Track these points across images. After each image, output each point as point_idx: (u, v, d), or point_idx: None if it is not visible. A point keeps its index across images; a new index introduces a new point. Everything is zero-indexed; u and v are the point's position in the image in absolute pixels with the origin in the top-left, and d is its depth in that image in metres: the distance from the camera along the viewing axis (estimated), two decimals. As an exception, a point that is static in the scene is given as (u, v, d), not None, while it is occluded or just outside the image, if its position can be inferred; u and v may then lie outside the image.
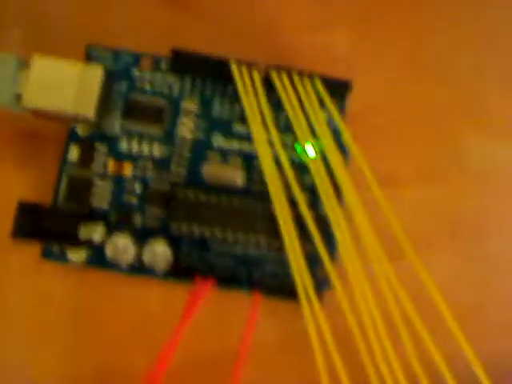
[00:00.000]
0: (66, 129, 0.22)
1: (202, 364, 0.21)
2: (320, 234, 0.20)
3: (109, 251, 0.20)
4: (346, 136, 0.21)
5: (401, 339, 0.18)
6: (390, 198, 0.19)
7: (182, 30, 0.24)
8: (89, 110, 0.20)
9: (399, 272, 0.19)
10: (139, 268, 0.21)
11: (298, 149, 0.22)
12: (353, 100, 0.22)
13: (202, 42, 0.23)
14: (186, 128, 0.22)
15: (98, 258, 0.21)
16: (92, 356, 0.21)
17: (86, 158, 0.22)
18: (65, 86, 0.20)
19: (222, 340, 0.21)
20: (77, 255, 0.21)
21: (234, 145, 0.22)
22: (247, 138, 0.22)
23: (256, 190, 0.22)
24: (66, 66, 0.20)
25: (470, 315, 0.21)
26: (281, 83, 0.21)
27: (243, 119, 0.22)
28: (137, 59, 0.22)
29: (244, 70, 0.21)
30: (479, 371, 0.18)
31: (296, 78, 0.21)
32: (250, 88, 0.21)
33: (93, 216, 0.21)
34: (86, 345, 0.21)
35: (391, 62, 0.24)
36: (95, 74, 0.21)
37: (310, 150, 0.21)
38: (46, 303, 0.22)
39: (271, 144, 0.21)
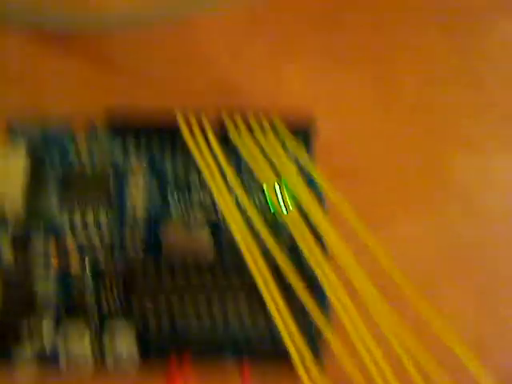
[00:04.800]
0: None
1: None
2: (309, 295, 0.17)
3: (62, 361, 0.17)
4: (322, 182, 0.18)
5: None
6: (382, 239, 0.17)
7: (118, 89, 0.21)
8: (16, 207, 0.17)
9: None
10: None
11: (271, 206, 0.19)
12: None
13: (141, 98, 0.20)
14: (137, 197, 0.19)
15: (51, 367, 0.18)
16: None
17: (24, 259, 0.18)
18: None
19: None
20: (25, 366, 0.18)
21: (197, 212, 0.19)
22: (211, 203, 0.19)
23: (228, 260, 0.19)
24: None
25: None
26: (236, 129, 0.19)
27: (203, 182, 0.19)
28: (68, 129, 0.20)
29: (192, 119, 0.19)
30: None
31: (253, 122, 0.19)
32: (201, 141, 0.18)
33: (36, 308, 0.18)
34: None
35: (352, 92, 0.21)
36: (18, 163, 0.18)
37: (284, 206, 0.19)
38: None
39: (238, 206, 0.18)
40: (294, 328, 0.17)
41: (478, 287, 0.20)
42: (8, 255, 0.18)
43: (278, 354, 0.18)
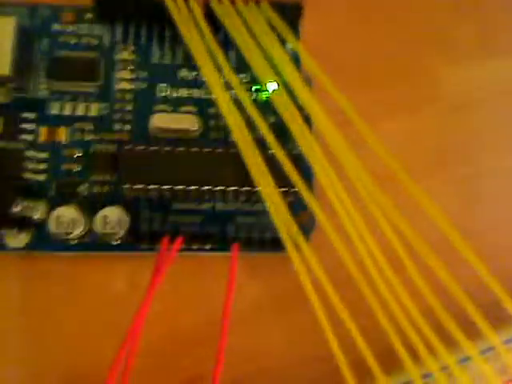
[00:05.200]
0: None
1: (184, 338, 0.18)
2: (295, 171, 0.17)
3: (53, 227, 0.17)
4: (308, 62, 0.18)
5: (402, 266, 0.16)
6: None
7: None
8: (4, 68, 0.18)
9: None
10: (93, 244, 0.18)
11: (256, 86, 0.19)
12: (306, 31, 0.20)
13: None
14: (125, 80, 0.19)
15: (42, 240, 0.18)
16: (51, 356, 0.18)
17: (12, 130, 0.19)
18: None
19: (203, 308, 0.18)
20: (16, 240, 0.18)
21: (182, 92, 0.19)
22: (195, 83, 0.19)
23: (214, 138, 0.19)
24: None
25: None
26: (225, 12, 0.19)
27: (188, 64, 0.19)
28: (56, 11, 0.20)
29: (181, 3, 0.19)
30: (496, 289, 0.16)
31: (240, 5, 0.19)
32: (191, 25, 0.19)
33: (29, 192, 0.18)
34: (42, 344, 0.18)
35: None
36: (7, 28, 0.18)
37: (270, 85, 0.19)
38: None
39: (226, 84, 0.18)
40: (282, 206, 0.17)
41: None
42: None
43: (268, 244, 0.18)
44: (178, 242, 0.17)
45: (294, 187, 0.17)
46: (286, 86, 0.18)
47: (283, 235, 0.16)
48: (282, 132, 0.18)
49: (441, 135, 0.21)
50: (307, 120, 0.18)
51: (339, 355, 0.16)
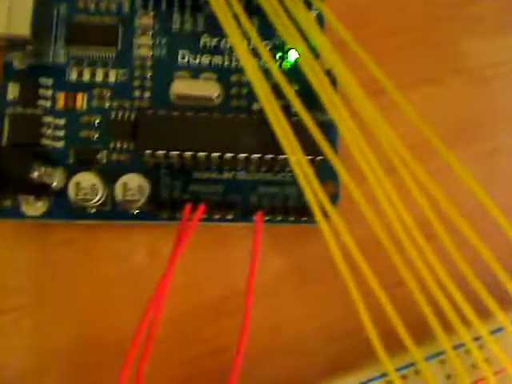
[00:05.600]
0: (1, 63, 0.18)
1: (206, 310, 0.18)
2: (323, 137, 0.16)
3: (72, 193, 0.17)
4: (341, 29, 0.18)
5: (434, 234, 0.16)
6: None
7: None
8: (23, 28, 0.17)
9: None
10: (112, 212, 0.18)
11: (280, 53, 0.19)
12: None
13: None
14: (145, 46, 0.19)
15: (60, 209, 0.17)
16: (67, 327, 0.17)
17: (29, 96, 0.18)
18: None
19: (225, 279, 0.18)
20: (33, 208, 0.17)
21: (204, 59, 0.19)
22: (217, 50, 0.19)
23: (235, 106, 0.19)
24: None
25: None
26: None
27: (209, 30, 0.19)
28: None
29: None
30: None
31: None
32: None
33: (47, 159, 0.18)
34: (59, 314, 0.18)
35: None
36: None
37: (292, 53, 0.19)
38: (3, 270, 0.18)
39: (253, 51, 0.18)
40: (310, 174, 0.16)
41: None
42: (15, 92, 0.18)
43: (293, 213, 0.18)
44: (201, 210, 0.17)
45: (320, 155, 0.17)
46: (313, 50, 0.17)
47: (311, 202, 0.16)
48: (307, 99, 0.17)
49: (462, 108, 0.21)
50: (334, 84, 0.17)
51: (369, 326, 0.15)
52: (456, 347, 0.15)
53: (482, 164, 0.20)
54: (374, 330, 0.15)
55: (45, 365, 0.17)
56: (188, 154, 0.17)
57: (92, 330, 0.18)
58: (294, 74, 0.18)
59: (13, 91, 0.18)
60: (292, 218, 0.18)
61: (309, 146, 0.17)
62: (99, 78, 0.18)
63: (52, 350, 0.17)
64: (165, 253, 0.16)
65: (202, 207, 0.17)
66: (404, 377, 0.16)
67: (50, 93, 0.18)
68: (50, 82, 0.18)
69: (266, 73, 0.17)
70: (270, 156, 0.17)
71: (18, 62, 0.18)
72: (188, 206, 0.17)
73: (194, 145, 0.17)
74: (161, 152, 0.17)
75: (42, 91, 0.18)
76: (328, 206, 0.16)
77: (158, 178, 0.18)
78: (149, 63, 0.19)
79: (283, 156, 0.17)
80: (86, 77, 0.18)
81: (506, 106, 0.21)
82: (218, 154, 0.17)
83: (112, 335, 0.17)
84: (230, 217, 0.18)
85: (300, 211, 0.18)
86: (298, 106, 0.17)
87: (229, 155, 0.17)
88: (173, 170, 0.18)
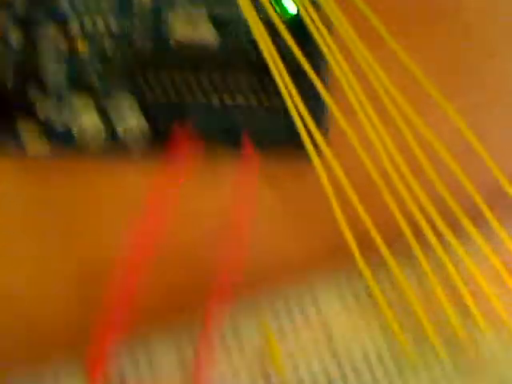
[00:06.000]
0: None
1: (198, 244, 0.18)
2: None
3: (74, 128, 0.18)
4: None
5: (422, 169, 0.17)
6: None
7: None
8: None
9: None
10: (112, 148, 0.18)
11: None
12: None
13: None
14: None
15: (62, 144, 0.18)
16: (66, 253, 0.18)
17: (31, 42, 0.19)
18: None
19: (218, 214, 0.19)
20: (36, 145, 0.18)
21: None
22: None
23: (233, 48, 0.19)
24: None
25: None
26: None
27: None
28: None
29: None
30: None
31: None
32: None
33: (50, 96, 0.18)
34: (57, 242, 0.18)
35: None
36: None
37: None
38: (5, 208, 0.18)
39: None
40: (301, 106, 0.17)
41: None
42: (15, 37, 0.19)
43: (283, 141, 0.19)
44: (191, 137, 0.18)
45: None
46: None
47: (302, 133, 0.17)
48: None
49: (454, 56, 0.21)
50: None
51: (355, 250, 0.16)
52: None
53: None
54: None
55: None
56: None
57: (88, 256, 0.18)
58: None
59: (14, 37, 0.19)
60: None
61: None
62: (100, 27, 0.19)
63: (47, 273, 0.18)
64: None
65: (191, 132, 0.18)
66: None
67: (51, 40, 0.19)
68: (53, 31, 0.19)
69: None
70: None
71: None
72: (177, 131, 0.18)
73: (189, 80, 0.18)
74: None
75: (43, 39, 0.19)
76: (318, 137, 0.17)
77: (154, 114, 0.18)
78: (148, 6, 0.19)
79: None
80: (88, 26, 0.19)
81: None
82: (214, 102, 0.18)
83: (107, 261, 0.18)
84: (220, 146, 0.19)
85: (291, 140, 0.18)
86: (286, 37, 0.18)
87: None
88: (166, 95, 0.19)
